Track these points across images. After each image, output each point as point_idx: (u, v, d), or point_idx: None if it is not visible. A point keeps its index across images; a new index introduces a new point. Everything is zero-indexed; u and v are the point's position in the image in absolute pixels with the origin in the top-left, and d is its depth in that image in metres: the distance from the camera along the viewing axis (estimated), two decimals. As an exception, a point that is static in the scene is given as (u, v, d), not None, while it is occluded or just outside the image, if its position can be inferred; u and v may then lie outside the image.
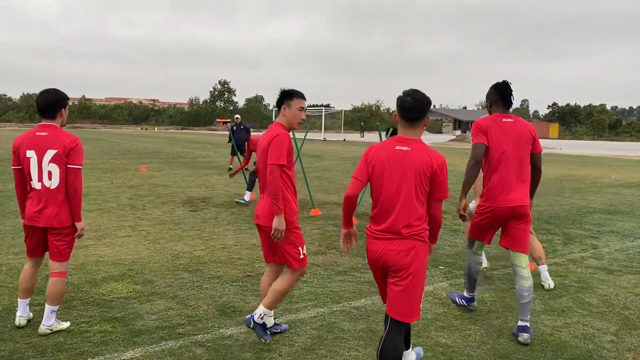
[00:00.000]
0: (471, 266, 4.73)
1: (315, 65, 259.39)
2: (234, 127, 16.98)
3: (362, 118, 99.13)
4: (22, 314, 4.29)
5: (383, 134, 8.09)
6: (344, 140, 51.72)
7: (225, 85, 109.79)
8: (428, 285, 5.60)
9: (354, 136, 63.36)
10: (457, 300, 4.84)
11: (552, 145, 49.02)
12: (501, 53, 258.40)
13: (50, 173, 4.02)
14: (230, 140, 17.23)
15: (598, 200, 12.26)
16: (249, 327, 4.13)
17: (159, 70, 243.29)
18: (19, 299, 4.30)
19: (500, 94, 4.36)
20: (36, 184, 4.07)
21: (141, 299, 4.97)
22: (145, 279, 5.54)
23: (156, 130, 78.61)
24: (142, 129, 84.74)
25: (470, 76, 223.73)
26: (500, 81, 4.40)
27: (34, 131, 4.11)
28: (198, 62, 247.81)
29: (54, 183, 4.05)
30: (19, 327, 4.25)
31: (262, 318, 4.08)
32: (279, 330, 4.28)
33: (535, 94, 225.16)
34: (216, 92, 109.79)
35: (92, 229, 7.78)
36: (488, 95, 4.47)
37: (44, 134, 4.04)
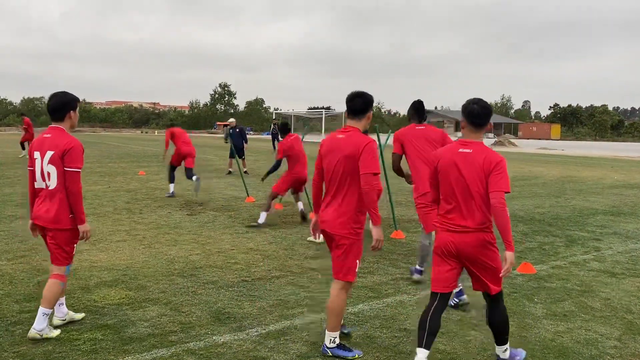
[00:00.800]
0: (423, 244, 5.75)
1: (316, 67, 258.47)
2: (231, 130, 16.95)
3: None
4: (57, 314, 4.35)
5: (383, 136, 8.00)
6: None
7: (226, 88, 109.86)
8: (427, 290, 5.42)
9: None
10: (415, 275, 5.79)
11: (554, 146, 48.90)
12: (503, 54, 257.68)
13: (49, 174, 4.08)
14: (227, 141, 17.17)
15: (600, 202, 12.14)
16: (329, 355, 3.91)
17: (160, 73, 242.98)
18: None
19: (415, 109, 5.72)
20: (40, 184, 4.14)
21: (134, 305, 4.86)
22: (138, 285, 5.44)
23: (156, 133, 78.59)
24: (142, 132, 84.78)
25: (472, 78, 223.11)
26: (416, 100, 5.77)
27: (43, 133, 4.21)
28: (199, 65, 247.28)
29: (51, 184, 4.09)
30: (56, 327, 4.27)
31: (335, 341, 3.94)
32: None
33: (537, 94, 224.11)
34: (216, 95, 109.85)
35: (88, 234, 7.68)
36: (408, 111, 5.82)
37: (49, 135, 4.13)
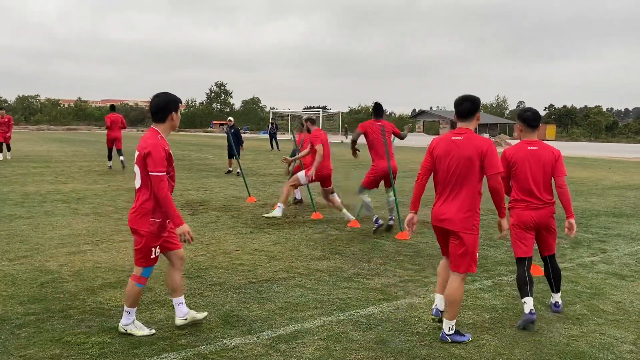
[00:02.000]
0: (367, 203, 8.29)
1: (314, 67, 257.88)
2: (232, 130, 16.76)
3: (359, 119, 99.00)
4: (178, 314, 4.33)
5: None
6: (342, 142, 51.55)
7: (222, 87, 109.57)
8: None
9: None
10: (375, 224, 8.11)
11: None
12: (499, 55, 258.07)
13: (134, 174, 4.15)
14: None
15: (602, 203, 12.11)
16: (448, 342, 4.19)
17: (156, 72, 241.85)
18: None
19: (375, 109, 8.27)
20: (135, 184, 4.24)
21: (141, 307, 4.77)
22: (144, 287, 5.34)
23: (152, 132, 78.25)
24: (138, 131, 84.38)
25: (468, 78, 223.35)
26: (376, 102, 8.26)
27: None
28: (196, 64, 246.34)
29: (137, 184, 4.13)
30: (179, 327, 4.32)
31: (452, 329, 4.21)
32: None
33: (532, 95, 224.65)
34: (212, 94, 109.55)
35: (89, 234, 7.58)
36: (372, 109, 8.37)
37: (144, 135, 4.22)
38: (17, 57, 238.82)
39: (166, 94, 4.17)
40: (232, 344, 4.08)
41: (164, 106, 4.12)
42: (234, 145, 13.87)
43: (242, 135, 18.17)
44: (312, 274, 5.96)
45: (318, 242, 7.50)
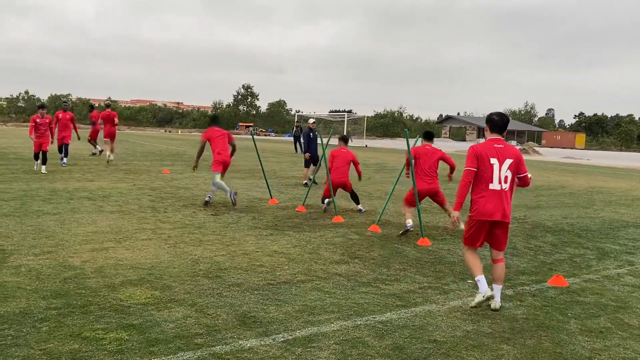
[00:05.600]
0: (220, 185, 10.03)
1: (341, 70, 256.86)
2: (311, 134, 15.00)
3: (384, 125, 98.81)
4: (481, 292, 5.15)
5: (412, 140, 7.91)
6: (366, 146, 51.47)
7: (249, 90, 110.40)
8: (456, 300, 5.36)
9: (377, 142, 63.02)
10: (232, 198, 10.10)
11: (579, 156, 48.05)
12: (532, 60, 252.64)
13: (506, 178, 5.09)
14: (303, 148, 15.22)
15: (631, 214, 11.81)
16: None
17: (187, 73, 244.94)
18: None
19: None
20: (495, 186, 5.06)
21: (159, 305, 4.82)
22: (164, 285, 5.40)
23: (179, 132, 79.32)
24: (165, 131, 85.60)
25: (498, 84, 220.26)
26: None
27: (493, 142, 5.14)
28: (226, 66, 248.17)
29: (507, 186, 5.11)
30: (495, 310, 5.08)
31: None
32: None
33: (562, 103, 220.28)
34: (239, 96, 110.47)
35: (113, 231, 7.70)
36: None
37: (501, 146, 5.13)
38: (54, 56, 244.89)
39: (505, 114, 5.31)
40: (248, 345, 4.09)
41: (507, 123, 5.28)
42: (308, 150, 13.53)
43: (267, 137, 17.92)
44: (331, 277, 5.94)
45: (338, 245, 7.48)
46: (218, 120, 11.23)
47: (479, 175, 5.07)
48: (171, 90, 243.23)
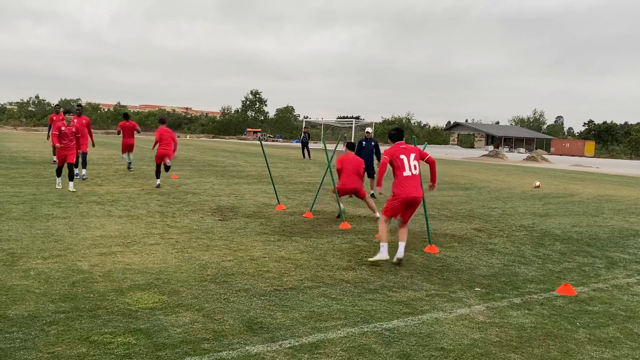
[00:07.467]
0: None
1: (352, 76, 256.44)
2: (364, 143, 13.54)
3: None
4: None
5: (420, 147, 7.96)
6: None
7: (257, 95, 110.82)
8: (463, 308, 5.34)
9: (384, 148, 62.79)
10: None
11: (588, 164, 47.74)
12: (543, 68, 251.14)
13: (415, 166, 6.92)
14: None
15: (641, 223, 11.71)
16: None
17: (197, 79, 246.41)
18: None
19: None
20: None
21: (167, 310, 4.84)
22: (171, 289, 5.42)
23: (188, 137, 79.62)
24: (178, 136, 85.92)
25: (509, 91, 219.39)
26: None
27: (397, 145, 7.09)
28: (237, 72, 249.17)
29: (417, 172, 7.02)
30: None
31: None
32: None
33: (572, 110, 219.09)
34: (247, 102, 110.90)
35: (121, 236, 7.74)
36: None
37: (404, 146, 6.88)
38: (66, 62, 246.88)
39: None
40: (255, 350, 4.09)
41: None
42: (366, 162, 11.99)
43: (275, 142, 17.76)
44: (338, 284, 5.94)
45: (345, 252, 7.48)
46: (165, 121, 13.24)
47: (396, 168, 6.88)
48: (180, 96, 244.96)
